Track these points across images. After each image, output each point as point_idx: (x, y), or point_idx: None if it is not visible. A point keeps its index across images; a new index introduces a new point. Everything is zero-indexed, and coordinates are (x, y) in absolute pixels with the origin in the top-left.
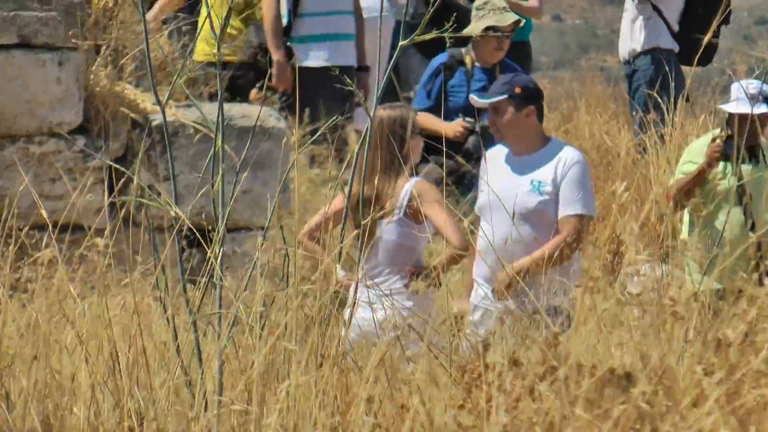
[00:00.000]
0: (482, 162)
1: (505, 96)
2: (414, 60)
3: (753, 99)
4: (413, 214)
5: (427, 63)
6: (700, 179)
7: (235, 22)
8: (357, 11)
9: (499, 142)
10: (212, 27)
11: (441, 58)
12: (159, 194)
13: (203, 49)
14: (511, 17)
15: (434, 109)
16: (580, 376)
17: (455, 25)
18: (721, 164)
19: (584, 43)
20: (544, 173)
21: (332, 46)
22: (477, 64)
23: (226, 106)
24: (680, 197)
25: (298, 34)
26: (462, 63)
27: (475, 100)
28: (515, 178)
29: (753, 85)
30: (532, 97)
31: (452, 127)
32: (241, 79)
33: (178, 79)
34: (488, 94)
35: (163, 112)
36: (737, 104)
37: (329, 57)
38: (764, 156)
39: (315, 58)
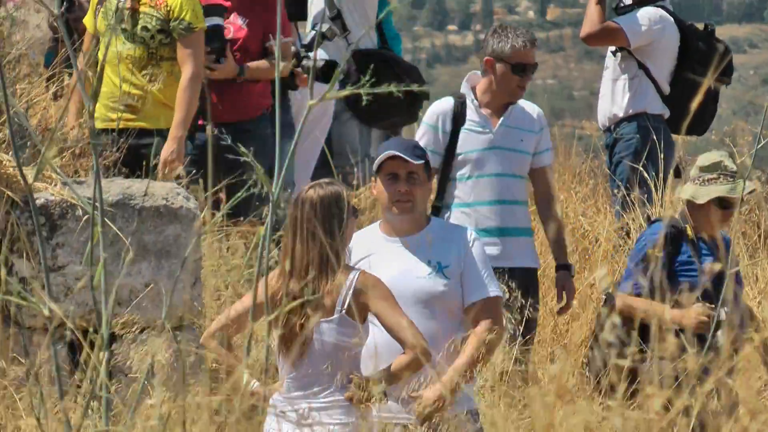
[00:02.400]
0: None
1: (423, 161)
2: (350, 127)
3: None
4: (354, 313)
5: (365, 130)
6: None
7: (136, 79)
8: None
9: (402, 216)
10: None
11: (657, 228)
12: (42, 288)
13: (101, 113)
14: (746, 186)
15: None
16: None
17: (374, 80)
18: None
19: (557, 107)
20: (444, 254)
21: (502, 242)
22: (699, 235)
23: (125, 182)
24: None
25: None
26: (684, 234)
27: (398, 155)
28: (407, 263)
29: None
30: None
31: (691, 317)
32: (145, 149)
33: (47, 153)
34: (408, 155)
35: (30, 191)
36: None
37: (498, 255)
38: None
39: None
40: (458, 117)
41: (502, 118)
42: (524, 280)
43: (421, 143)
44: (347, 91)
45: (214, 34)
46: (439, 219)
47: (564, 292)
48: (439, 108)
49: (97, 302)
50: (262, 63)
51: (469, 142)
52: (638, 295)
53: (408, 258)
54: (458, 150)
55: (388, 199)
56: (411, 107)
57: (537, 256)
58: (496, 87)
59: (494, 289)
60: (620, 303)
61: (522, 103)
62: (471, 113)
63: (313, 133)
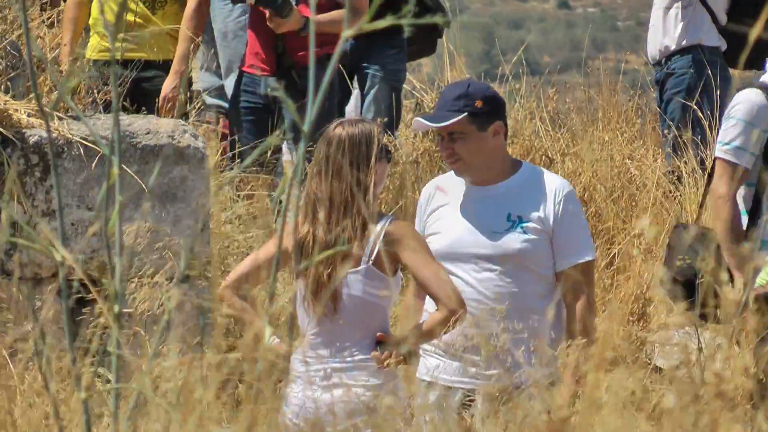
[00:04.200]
0: (428, 193)
1: (464, 114)
2: None
3: None
4: (383, 264)
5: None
6: None
7: (139, 8)
8: None
9: (461, 176)
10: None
11: None
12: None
13: (96, 43)
14: None
15: None
16: None
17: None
18: None
19: (600, 39)
20: (526, 207)
21: None
22: None
23: (127, 119)
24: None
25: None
26: None
27: (424, 123)
28: (483, 215)
29: None
30: (497, 109)
31: None
32: (147, 82)
33: (64, 83)
34: (439, 116)
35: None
36: None
37: None
38: None
39: None
40: None
41: None
42: None
43: (737, 142)
44: (387, 21)
45: None
46: (531, 166)
47: None
48: (756, 101)
49: (111, 250)
50: (336, 14)
51: None
52: None
53: (485, 209)
54: None
55: None
56: (430, 36)
57: None
58: None
59: (591, 252)
60: None
61: None
62: None
63: None
